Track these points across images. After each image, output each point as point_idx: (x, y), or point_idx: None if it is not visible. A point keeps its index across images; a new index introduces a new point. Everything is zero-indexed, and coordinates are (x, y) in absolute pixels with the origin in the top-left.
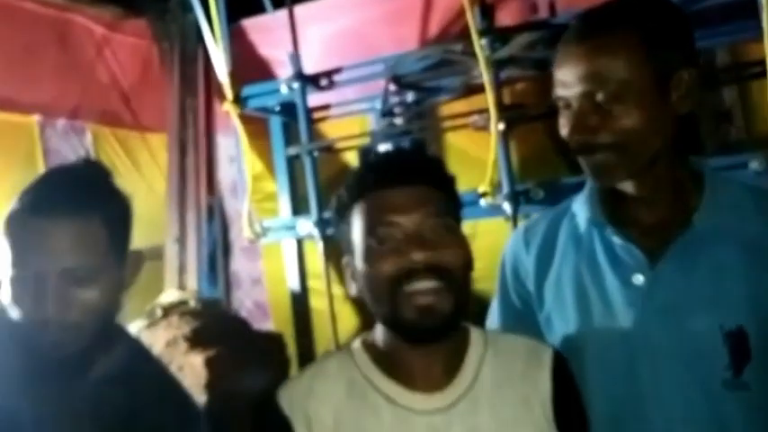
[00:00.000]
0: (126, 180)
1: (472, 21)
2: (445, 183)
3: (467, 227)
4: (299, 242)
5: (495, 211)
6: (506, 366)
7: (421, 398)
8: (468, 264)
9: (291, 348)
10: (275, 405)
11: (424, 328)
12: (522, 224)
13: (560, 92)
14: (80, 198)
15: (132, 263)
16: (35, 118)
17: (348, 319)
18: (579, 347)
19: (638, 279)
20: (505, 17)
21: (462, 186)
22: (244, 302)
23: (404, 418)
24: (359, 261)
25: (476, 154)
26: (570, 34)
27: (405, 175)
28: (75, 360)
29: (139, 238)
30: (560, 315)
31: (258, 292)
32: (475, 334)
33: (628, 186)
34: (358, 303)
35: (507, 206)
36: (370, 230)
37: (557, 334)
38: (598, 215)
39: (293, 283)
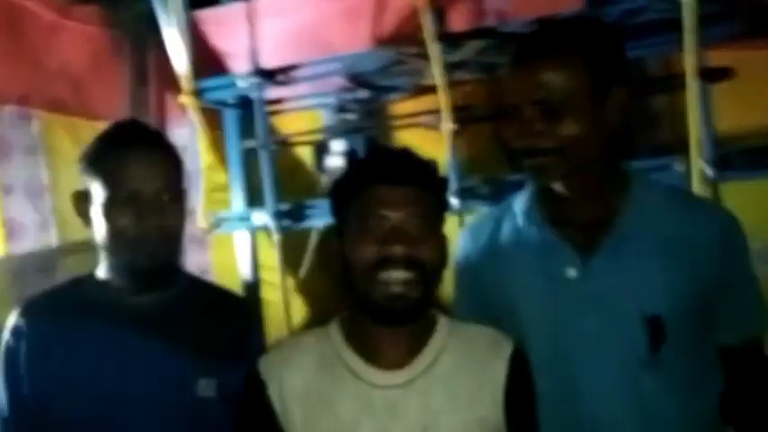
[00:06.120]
0: (74, 169)
1: (426, 26)
2: (435, 186)
3: None
4: (253, 234)
5: None
6: (466, 353)
7: (382, 374)
8: (441, 261)
9: None
10: (255, 370)
11: (390, 312)
12: (468, 223)
13: (510, 99)
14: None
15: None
16: None
17: (299, 310)
18: (521, 335)
19: (571, 273)
20: (456, 20)
21: None
22: None
23: (364, 391)
24: (347, 243)
25: (425, 151)
26: (521, 49)
27: (400, 175)
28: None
29: (82, 232)
30: (505, 306)
31: None
32: (442, 321)
33: (561, 188)
34: (309, 294)
35: (455, 201)
36: (361, 219)
37: (504, 324)
38: (535, 215)
39: (246, 275)
